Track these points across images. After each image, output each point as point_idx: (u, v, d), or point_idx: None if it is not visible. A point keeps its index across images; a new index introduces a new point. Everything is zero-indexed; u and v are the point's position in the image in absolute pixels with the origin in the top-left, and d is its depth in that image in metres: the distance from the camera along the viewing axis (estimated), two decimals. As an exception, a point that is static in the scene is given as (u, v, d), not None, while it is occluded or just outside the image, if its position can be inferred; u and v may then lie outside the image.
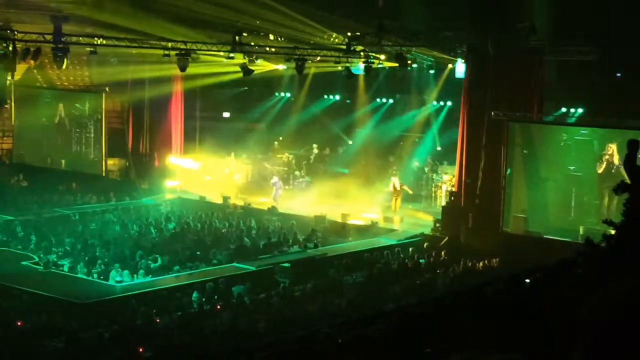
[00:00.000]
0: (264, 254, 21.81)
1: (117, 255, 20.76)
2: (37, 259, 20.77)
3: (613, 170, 21.62)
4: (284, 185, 29.96)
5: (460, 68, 25.28)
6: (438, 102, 30.24)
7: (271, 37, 27.41)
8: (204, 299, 17.70)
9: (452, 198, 25.14)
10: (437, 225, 24.56)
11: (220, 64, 28.23)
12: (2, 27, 22.92)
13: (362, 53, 26.66)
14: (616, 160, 21.63)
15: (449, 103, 29.58)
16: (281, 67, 30.01)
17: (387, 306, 14.35)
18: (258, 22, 26.62)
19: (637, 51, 21.57)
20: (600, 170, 22.14)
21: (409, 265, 20.94)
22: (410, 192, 27.74)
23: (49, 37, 23.72)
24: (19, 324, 15.70)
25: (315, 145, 32.87)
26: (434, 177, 28.69)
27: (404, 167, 29.92)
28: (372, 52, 26.65)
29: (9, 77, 30.98)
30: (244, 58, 26.48)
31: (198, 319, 16.27)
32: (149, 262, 20.15)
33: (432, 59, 27.95)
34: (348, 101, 33.06)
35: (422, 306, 9.10)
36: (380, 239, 24.09)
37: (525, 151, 23.83)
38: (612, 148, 21.95)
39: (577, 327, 2.37)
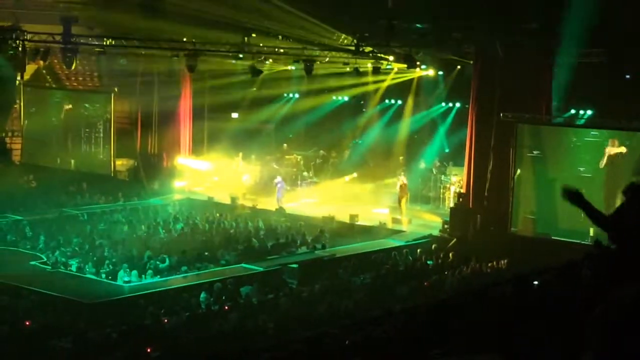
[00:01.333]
0: (272, 255, 21.82)
1: (125, 255, 20.79)
2: (45, 259, 20.83)
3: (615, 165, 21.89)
4: (291, 186, 29.97)
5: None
6: (447, 103, 30.18)
7: (280, 37, 27.42)
8: (211, 300, 17.71)
9: (461, 199, 25.09)
10: (445, 226, 24.52)
11: (230, 65, 28.31)
12: (11, 27, 22.99)
13: (370, 54, 26.65)
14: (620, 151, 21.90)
15: (457, 104, 29.52)
16: (291, 67, 30.05)
17: (394, 307, 14.32)
18: (267, 22, 26.64)
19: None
20: (602, 166, 22.23)
21: (417, 267, 20.92)
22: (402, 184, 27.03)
23: (58, 38, 23.80)
24: (27, 323, 15.74)
25: (321, 151, 32.86)
26: (442, 178, 28.63)
27: (412, 168, 29.84)
28: (380, 53, 26.64)
29: (19, 78, 31.08)
30: (253, 59, 26.50)
31: (206, 319, 16.28)
32: (157, 262, 20.17)
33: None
34: (362, 102, 33.12)
35: (429, 308, 9.08)
36: (388, 240, 24.06)
37: (534, 152, 23.77)
38: (615, 142, 22.08)
39: (589, 327, 2.36)
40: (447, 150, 30.10)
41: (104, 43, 25.75)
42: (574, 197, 5.12)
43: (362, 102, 33.17)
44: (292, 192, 29.61)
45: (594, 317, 2.34)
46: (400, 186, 26.87)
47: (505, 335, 6.03)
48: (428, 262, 21.37)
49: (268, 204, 28.10)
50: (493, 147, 24.12)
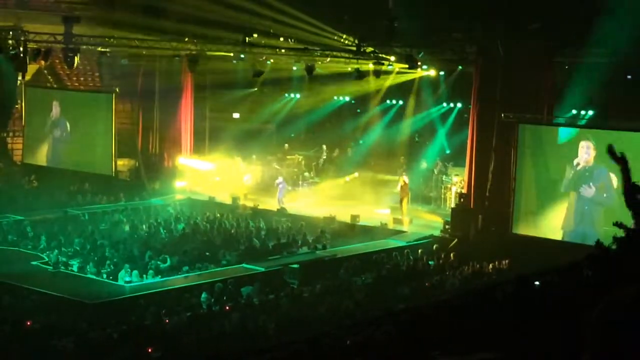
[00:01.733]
0: (273, 255, 21.82)
1: (126, 255, 20.80)
2: (46, 259, 20.84)
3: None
4: (293, 186, 29.96)
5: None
6: (448, 103, 30.18)
7: (281, 38, 27.44)
8: (212, 300, 17.72)
9: (462, 200, 25.08)
10: (447, 227, 24.50)
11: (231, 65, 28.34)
12: (13, 27, 23.01)
13: (372, 54, 26.66)
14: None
15: (459, 105, 29.51)
16: (293, 67, 30.07)
17: (395, 308, 14.32)
18: (268, 23, 26.66)
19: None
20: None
21: (418, 267, 20.91)
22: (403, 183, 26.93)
23: (59, 38, 23.81)
24: (28, 323, 15.75)
25: (324, 147, 32.90)
26: (443, 178, 28.62)
27: (413, 168, 29.84)
28: (381, 53, 26.64)
29: (20, 78, 31.10)
30: (254, 59, 26.52)
31: (207, 319, 16.28)
32: (158, 262, 20.18)
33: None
34: (353, 102, 33.16)
35: (430, 308, 9.08)
36: (390, 241, 24.04)
37: (535, 153, 23.74)
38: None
39: (587, 328, 2.36)
40: (448, 151, 30.09)
41: (106, 42, 25.77)
42: (619, 158, 5.10)
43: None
44: (293, 192, 29.61)
45: (594, 317, 2.34)
46: (402, 186, 26.82)
47: (506, 335, 6.03)
48: (429, 262, 21.37)
49: (269, 204, 28.11)
50: (494, 148, 24.12)
